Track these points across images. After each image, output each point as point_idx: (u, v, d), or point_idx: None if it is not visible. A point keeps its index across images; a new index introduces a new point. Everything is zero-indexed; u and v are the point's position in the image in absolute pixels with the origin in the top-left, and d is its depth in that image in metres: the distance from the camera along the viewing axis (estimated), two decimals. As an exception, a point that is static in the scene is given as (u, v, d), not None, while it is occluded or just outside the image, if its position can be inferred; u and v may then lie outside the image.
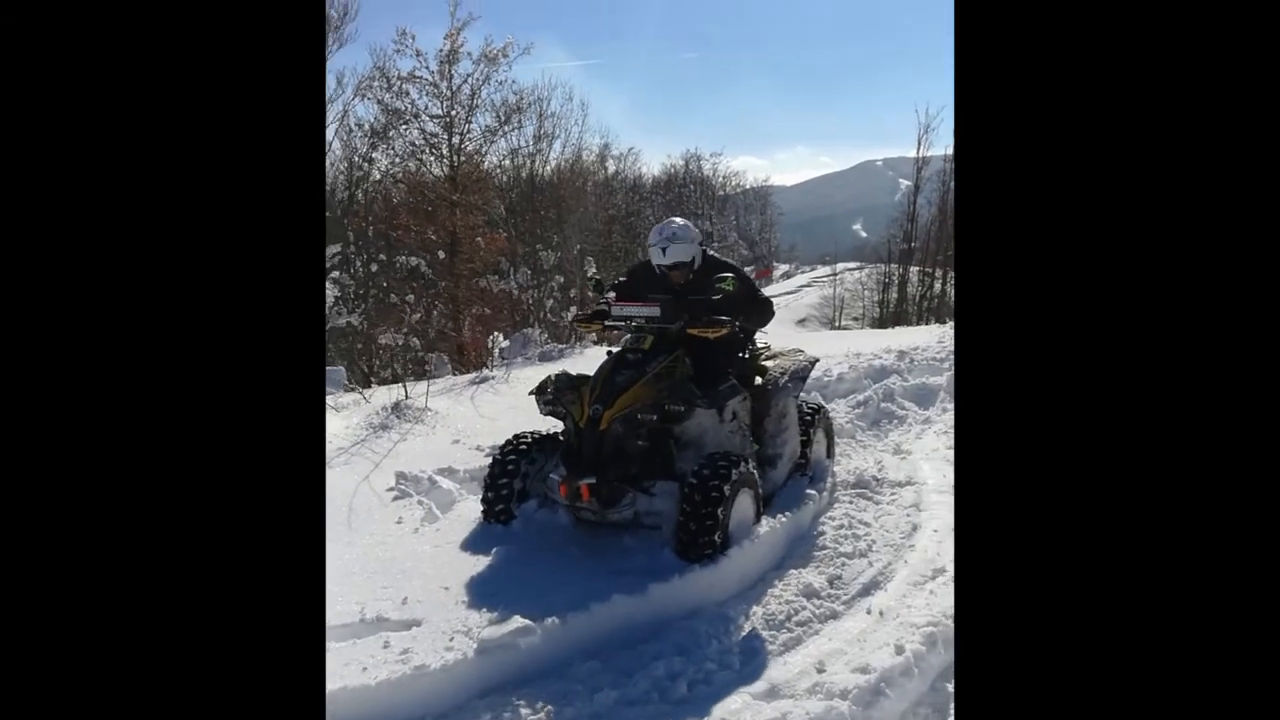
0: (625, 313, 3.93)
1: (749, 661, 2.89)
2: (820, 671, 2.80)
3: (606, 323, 4.05)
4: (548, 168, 22.05)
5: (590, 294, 4.64)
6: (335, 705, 2.46)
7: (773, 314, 4.18)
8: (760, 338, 4.63)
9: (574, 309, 14.12)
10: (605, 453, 3.54)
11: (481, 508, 3.87)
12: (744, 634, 3.05)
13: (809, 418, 4.63)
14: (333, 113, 17.79)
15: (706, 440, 3.80)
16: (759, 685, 2.73)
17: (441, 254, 16.58)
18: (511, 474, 3.84)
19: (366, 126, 17.85)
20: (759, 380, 4.34)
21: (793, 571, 3.55)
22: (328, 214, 16.00)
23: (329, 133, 17.51)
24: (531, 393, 3.87)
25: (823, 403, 4.88)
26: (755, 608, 3.23)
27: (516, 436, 4.01)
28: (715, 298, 3.87)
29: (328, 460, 4.78)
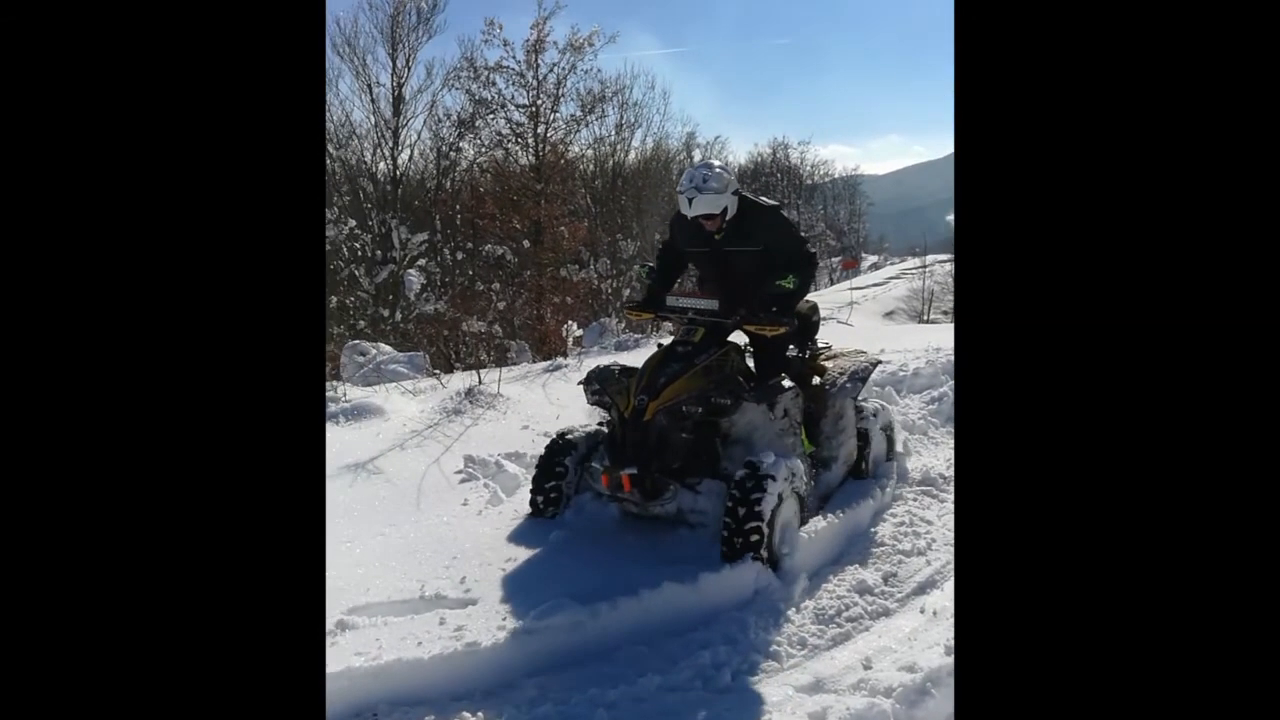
0: (680, 304, 3.82)
1: (795, 654, 2.90)
2: (867, 668, 2.79)
3: (660, 312, 3.94)
4: (630, 156, 22.17)
5: (641, 281, 4.49)
6: (389, 677, 2.59)
7: (810, 276, 3.93)
8: (821, 335, 4.50)
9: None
10: (649, 444, 3.48)
11: (530, 506, 3.84)
12: (793, 627, 3.05)
13: (868, 419, 4.46)
14: (421, 103, 18.27)
15: (756, 437, 3.69)
16: (803, 678, 2.74)
17: (526, 243, 16.89)
18: (559, 475, 3.79)
19: (455, 116, 18.26)
20: (816, 380, 4.21)
21: (849, 567, 3.53)
22: (416, 203, 16.50)
23: (417, 123, 18.00)
24: (580, 383, 3.87)
25: (883, 404, 4.69)
26: (807, 601, 3.23)
27: (561, 435, 3.94)
28: (776, 291, 3.71)
29: (401, 442, 4.96)
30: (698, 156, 28.90)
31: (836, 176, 43.55)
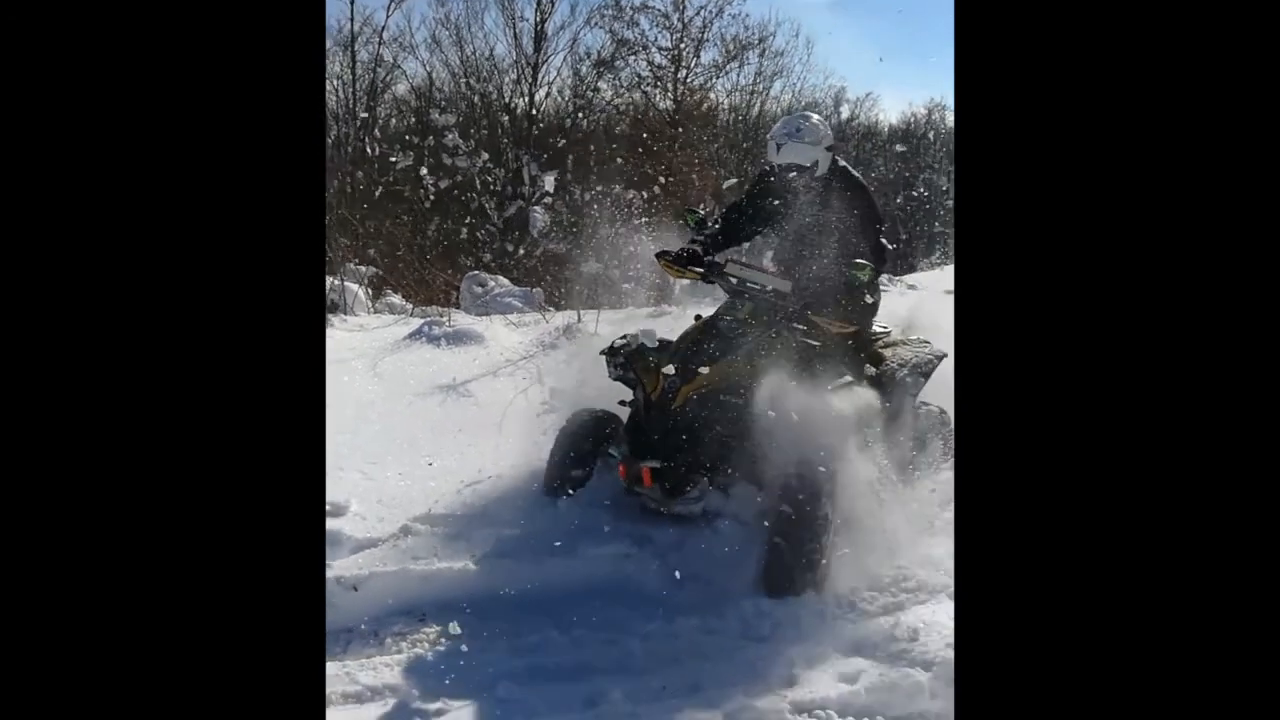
0: (744, 276, 3.24)
1: (842, 616, 2.86)
2: (912, 639, 2.72)
3: (711, 278, 3.36)
4: (776, 107, 21.61)
5: (690, 227, 3.65)
6: (438, 581, 2.74)
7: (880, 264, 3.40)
8: (880, 319, 3.86)
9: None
10: (676, 435, 3.02)
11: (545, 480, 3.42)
12: (845, 589, 3.00)
13: (927, 422, 3.77)
14: (563, 40, 18.36)
15: (809, 437, 3.15)
16: (843, 640, 2.70)
17: (656, 188, 16.87)
18: (573, 460, 3.33)
19: (594, 56, 18.29)
20: (871, 371, 3.59)
21: (917, 537, 3.42)
22: (550, 141, 16.70)
23: (557, 60, 18.11)
24: (603, 352, 3.38)
25: (945, 409, 3.86)
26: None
27: (591, 413, 3.47)
28: (850, 281, 3.21)
29: (494, 370, 5.13)
30: (846, 113, 27.93)
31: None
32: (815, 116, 3.53)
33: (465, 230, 14.23)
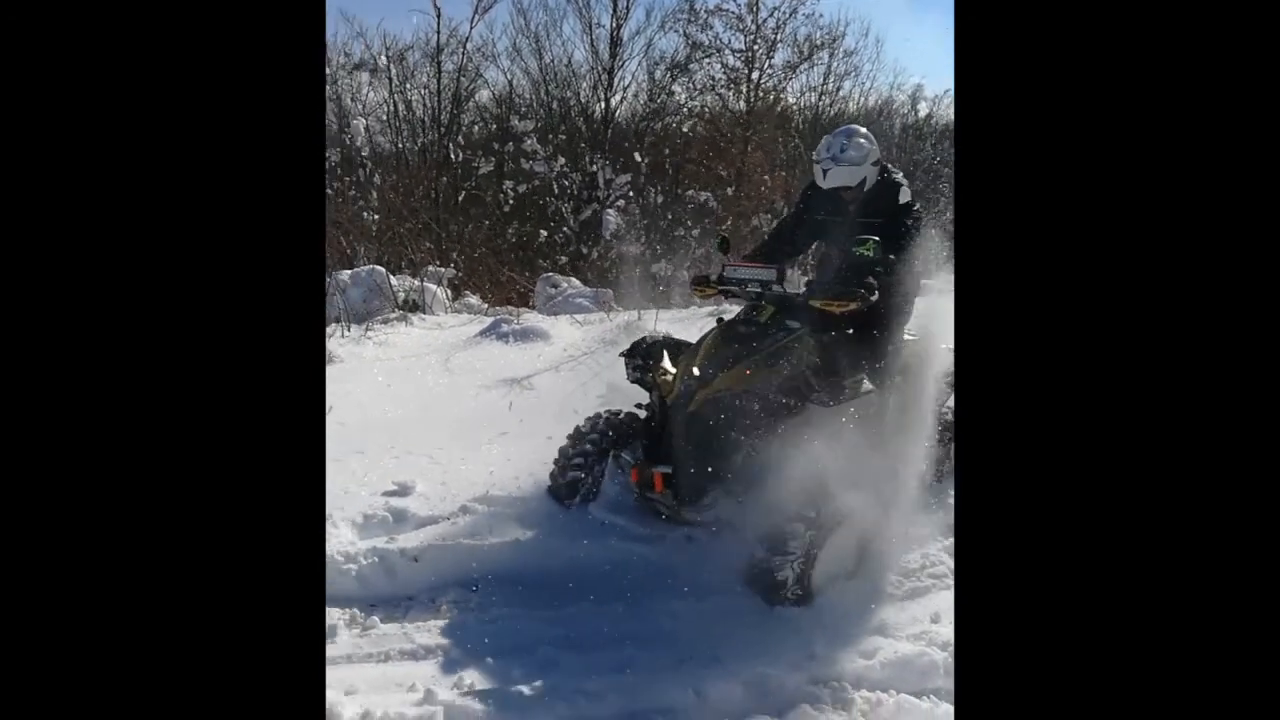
0: (737, 275, 3.24)
1: (867, 599, 2.99)
2: (934, 621, 2.84)
3: (722, 289, 3.35)
4: (851, 106, 21.42)
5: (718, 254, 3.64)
6: (490, 557, 3.00)
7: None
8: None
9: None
10: (691, 440, 2.96)
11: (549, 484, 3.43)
12: (870, 571, 3.11)
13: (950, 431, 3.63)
14: (637, 45, 18.63)
15: (844, 443, 3.09)
16: (866, 621, 2.84)
17: (729, 190, 16.96)
18: (578, 466, 3.33)
19: (668, 59, 18.49)
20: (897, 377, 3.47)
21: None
22: (625, 144, 17.01)
23: (632, 64, 18.37)
24: (622, 354, 3.39)
25: None
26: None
27: (603, 415, 3.44)
28: (851, 260, 3.16)
29: (557, 365, 5.40)
30: (923, 110, 27.41)
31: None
32: (860, 133, 3.41)
33: (543, 233, 14.64)
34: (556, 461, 3.41)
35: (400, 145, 17.58)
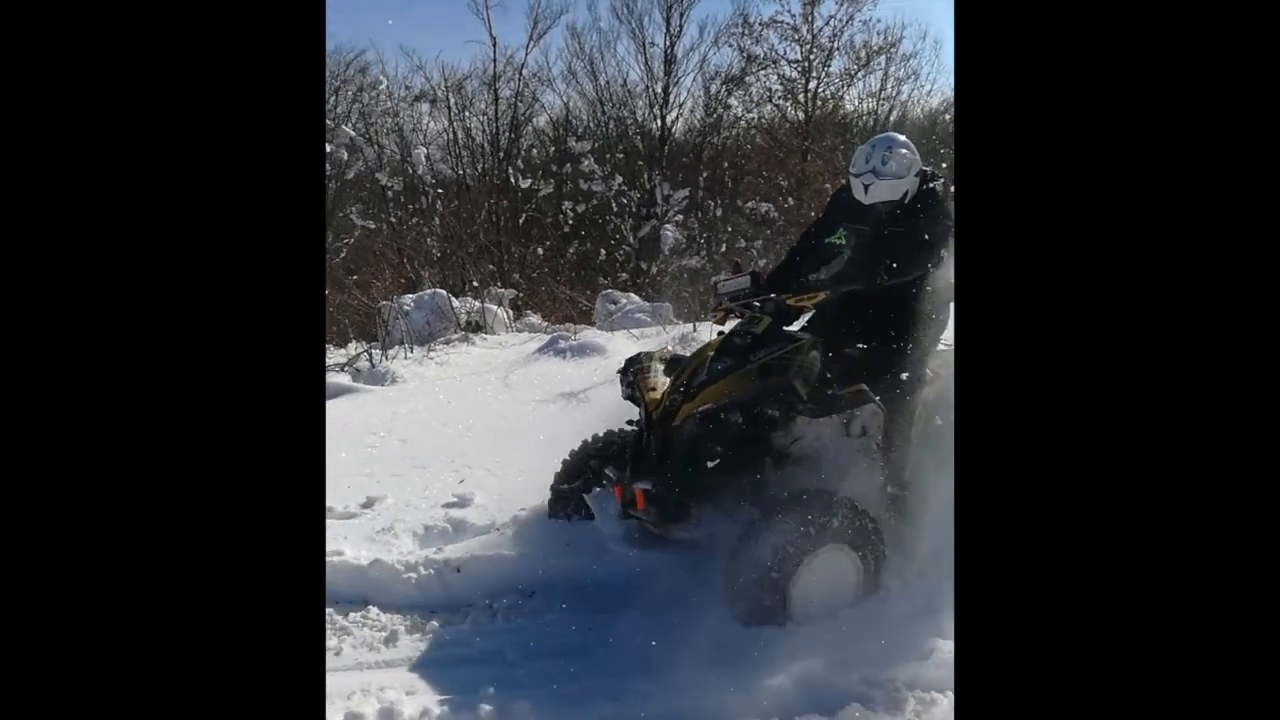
0: (721, 291, 3.07)
1: (928, 600, 2.91)
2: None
3: (724, 309, 3.10)
4: (916, 111, 21.16)
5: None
6: (543, 566, 3.06)
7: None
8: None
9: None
10: (674, 455, 2.86)
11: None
12: (933, 573, 3.06)
13: None
14: (692, 62, 18.76)
15: (825, 460, 3.00)
16: (925, 621, 2.77)
17: (789, 200, 16.91)
18: (570, 481, 3.31)
19: (723, 74, 18.59)
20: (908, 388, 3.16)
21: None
22: (683, 160, 17.16)
23: (687, 80, 18.52)
24: (618, 371, 3.35)
25: None
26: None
27: (609, 432, 3.39)
28: (821, 251, 3.04)
29: (612, 378, 5.44)
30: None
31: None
32: (900, 141, 3.11)
33: (602, 251, 14.83)
34: (556, 475, 3.39)
35: (461, 171, 18.03)
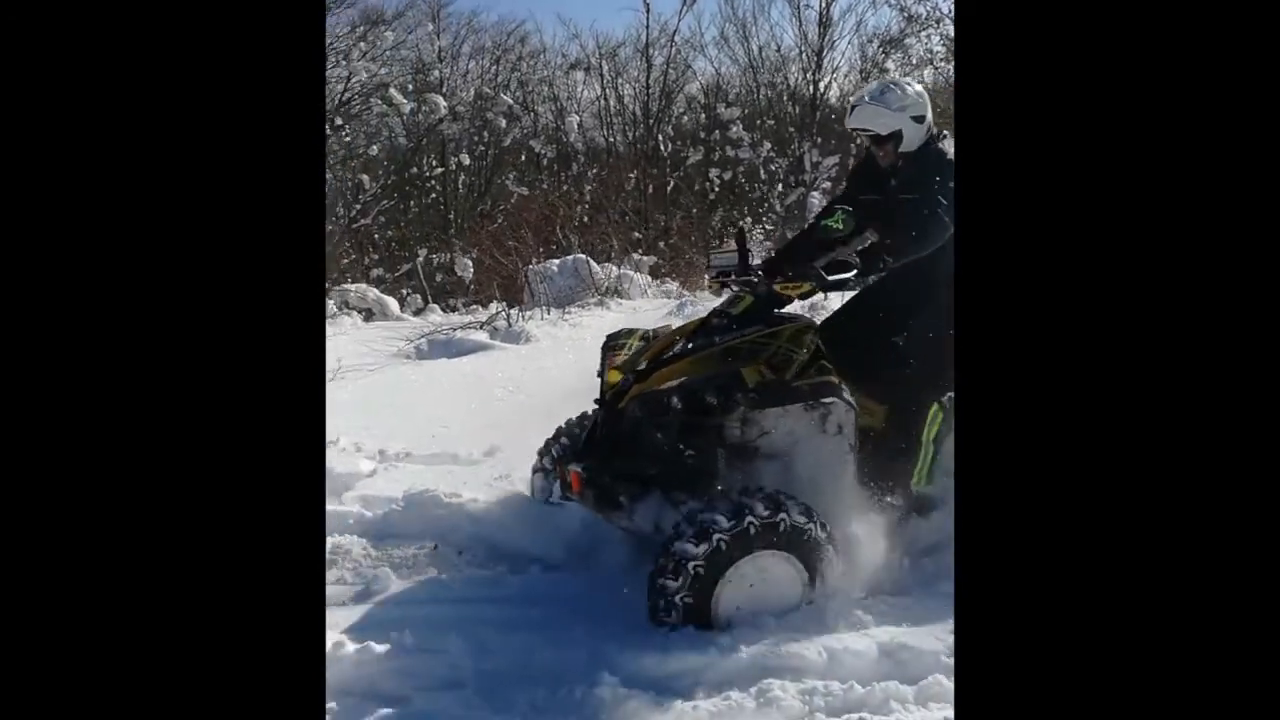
0: (714, 263, 2.98)
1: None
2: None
3: (719, 281, 2.98)
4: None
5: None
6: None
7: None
8: None
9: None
10: (619, 439, 2.69)
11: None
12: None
13: None
14: (848, 24, 18.12)
15: (798, 455, 2.70)
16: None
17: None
18: (542, 454, 3.28)
19: (880, 35, 17.86)
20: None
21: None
22: (836, 126, 16.65)
23: (843, 44, 17.86)
24: (602, 346, 3.18)
25: None
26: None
27: (580, 415, 3.29)
28: (818, 236, 2.87)
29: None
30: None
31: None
32: (909, 83, 2.99)
33: (749, 219, 14.71)
34: (538, 454, 3.37)
35: (612, 139, 18.29)
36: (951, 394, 2.81)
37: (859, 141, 3.42)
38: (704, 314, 3.03)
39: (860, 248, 3.11)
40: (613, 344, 2.97)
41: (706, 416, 2.61)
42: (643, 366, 2.71)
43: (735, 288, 2.85)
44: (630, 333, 3.03)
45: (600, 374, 2.95)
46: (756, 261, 2.92)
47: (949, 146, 2.92)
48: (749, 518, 2.43)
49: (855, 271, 2.85)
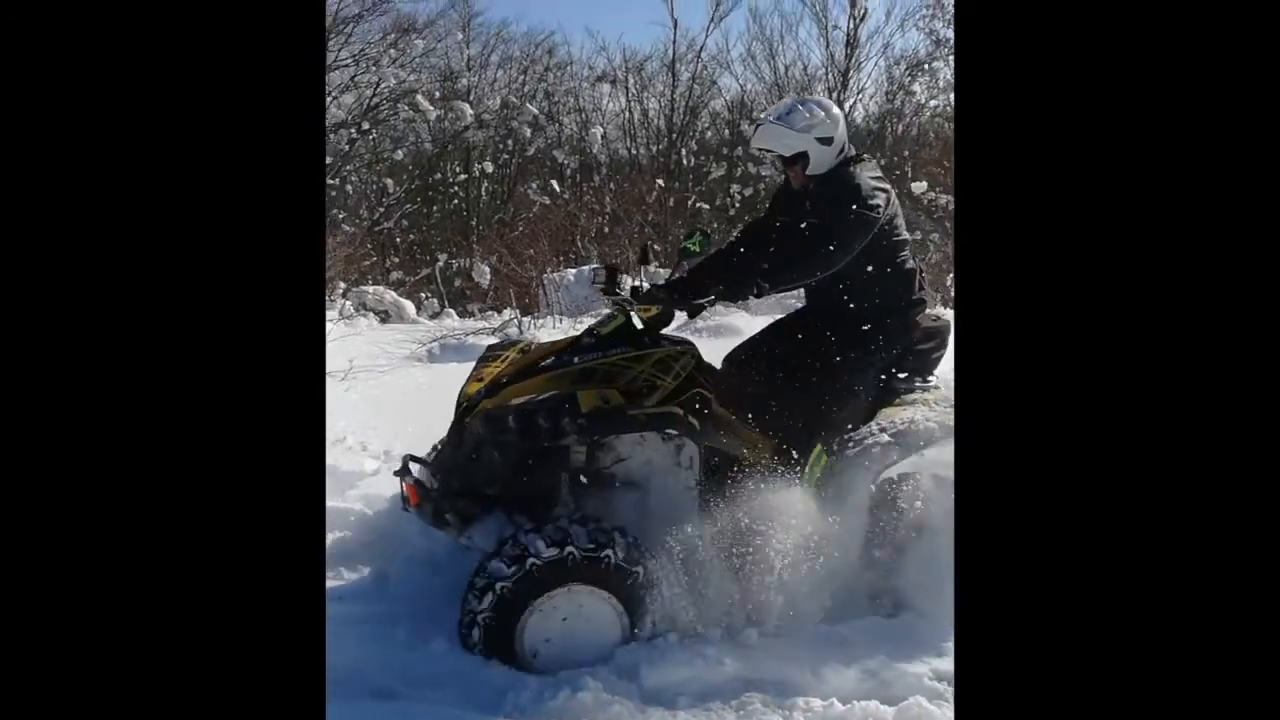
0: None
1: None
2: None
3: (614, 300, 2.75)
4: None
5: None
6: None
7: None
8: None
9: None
10: (451, 453, 2.65)
11: None
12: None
13: (895, 497, 2.71)
14: (875, 46, 18.17)
15: (653, 487, 2.64)
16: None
17: (971, 191, 16.08)
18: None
19: (908, 58, 17.90)
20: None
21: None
22: (863, 145, 16.69)
23: (869, 65, 17.93)
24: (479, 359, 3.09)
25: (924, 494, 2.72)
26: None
27: None
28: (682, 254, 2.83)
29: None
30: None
31: None
32: (820, 102, 2.84)
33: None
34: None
35: (635, 151, 18.40)
36: (839, 439, 2.70)
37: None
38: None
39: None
40: (490, 355, 2.84)
41: (539, 439, 2.49)
42: (504, 381, 2.58)
43: (611, 308, 2.75)
44: (512, 344, 2.92)
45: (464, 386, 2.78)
46: (677, 277, 2.83)
47: (862, 170, 2.76)
48: (570, 547, 2.35)
49: (716, 294, 2.66)
